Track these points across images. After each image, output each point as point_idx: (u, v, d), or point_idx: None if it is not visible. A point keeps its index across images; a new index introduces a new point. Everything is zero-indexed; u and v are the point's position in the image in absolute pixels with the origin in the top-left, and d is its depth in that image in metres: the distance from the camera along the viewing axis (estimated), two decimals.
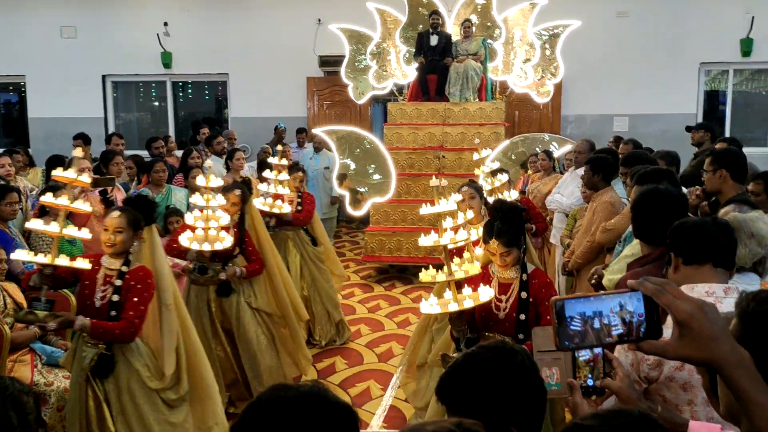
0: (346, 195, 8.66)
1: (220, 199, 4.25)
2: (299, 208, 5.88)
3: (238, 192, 4.68)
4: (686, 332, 1.04)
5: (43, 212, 4.66)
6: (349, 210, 8.73)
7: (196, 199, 4.26)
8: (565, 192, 6.46)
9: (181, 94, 12.94)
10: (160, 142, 7.89)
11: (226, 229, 4.46)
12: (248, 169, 7.86)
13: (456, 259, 3.42)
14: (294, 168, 6.39)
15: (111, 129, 12.25)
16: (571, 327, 1.14)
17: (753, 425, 1.00)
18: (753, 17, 10.33)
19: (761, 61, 10.62)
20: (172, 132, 12.12)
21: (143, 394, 3.45)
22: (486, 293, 3.21)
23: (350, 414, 1.26)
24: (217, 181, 4.30)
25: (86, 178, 3.62)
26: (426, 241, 3.25)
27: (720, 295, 2.05)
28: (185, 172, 6.56)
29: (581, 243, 4.67)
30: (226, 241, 4.18)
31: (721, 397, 1.13)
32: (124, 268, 3.48)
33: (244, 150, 8.98)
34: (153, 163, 6.21)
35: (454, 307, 3.14)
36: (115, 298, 3.41)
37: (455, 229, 3.28)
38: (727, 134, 10.08)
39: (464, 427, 1.07)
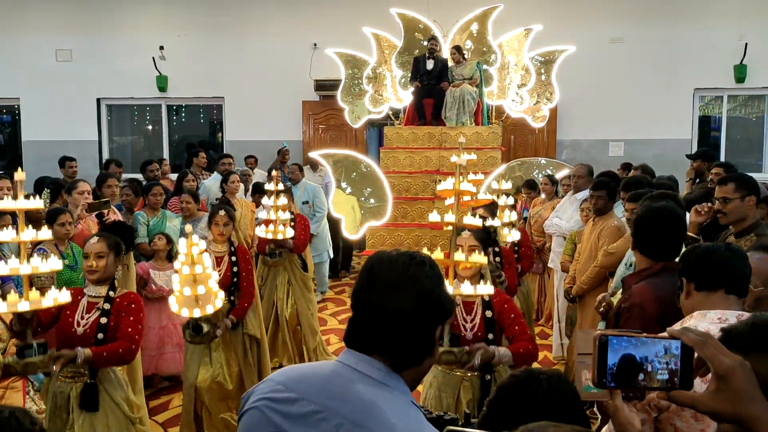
0: (342, 218, 8.60)
1: (206, 260, 3.66)
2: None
3: (222, 212, 4.39)
4: (724, 387, 1.06)
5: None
6: (345, 234, 8.65)
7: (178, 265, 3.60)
8: (563, 216, 6.42)
9: (175, 117, 12.92)
10: (154, 165, 7.88)
11: (220, 259, 4.39)
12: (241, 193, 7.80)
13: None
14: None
15: (105, 152, 12.22)
16: (608, 371, 1.14)
17: None
18: (746, 44, 10.44)
19: (755, 87, 10.71)
20: (166, 155, 12.08)
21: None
22: (484, 289, 3.24)
23: None
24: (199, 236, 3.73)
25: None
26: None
27: (733, 323, 2.00)
28: (180, 195, 6.51)
29: (585, 268, 4.62)
30: (218, 300, 3.75)
31: None
32: (112, 293, 3.36)
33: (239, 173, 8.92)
34: (150, 186, 6.15)
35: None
36: (104, 320, 3.27)
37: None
38: (722, 159, 10.11)
39: None
